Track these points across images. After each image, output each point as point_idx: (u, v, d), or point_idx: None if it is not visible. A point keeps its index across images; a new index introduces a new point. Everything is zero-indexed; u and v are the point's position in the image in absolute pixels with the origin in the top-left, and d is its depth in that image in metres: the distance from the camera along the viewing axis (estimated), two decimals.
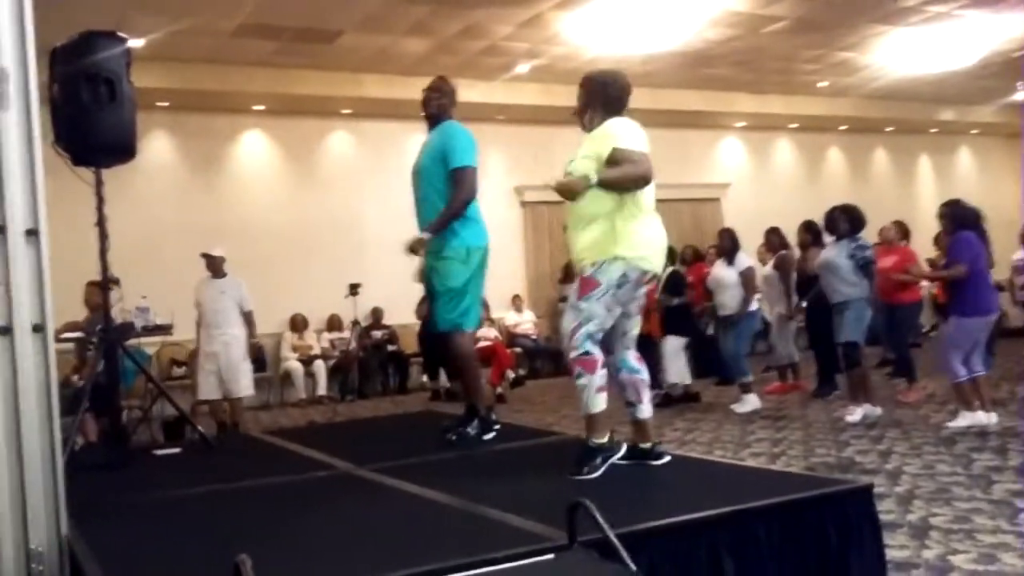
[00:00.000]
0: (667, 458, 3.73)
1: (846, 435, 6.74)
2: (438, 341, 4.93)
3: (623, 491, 3.32)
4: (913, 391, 8.31)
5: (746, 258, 8.72)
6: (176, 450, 5.26)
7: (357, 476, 3.92)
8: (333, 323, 12.25)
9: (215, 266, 8.07)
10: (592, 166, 3.60)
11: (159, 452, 5.20)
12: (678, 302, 8.93)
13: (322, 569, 2.54)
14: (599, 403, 3.57)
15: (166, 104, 11.22)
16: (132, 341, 5.38)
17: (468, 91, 12.85)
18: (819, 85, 14.55)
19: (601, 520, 2.34)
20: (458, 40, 10.90)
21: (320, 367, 11.92)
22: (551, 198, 14.44)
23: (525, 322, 13.37)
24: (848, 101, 15.64)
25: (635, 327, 3.80)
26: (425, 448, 4.36)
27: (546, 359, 13.17)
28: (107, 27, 4.84)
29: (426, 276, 4.68)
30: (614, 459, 3.60)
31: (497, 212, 14.05)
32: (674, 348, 8.92)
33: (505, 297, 12.95)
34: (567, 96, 13.88)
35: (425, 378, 12.01)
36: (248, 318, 8.07)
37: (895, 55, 12.97)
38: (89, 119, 4.60)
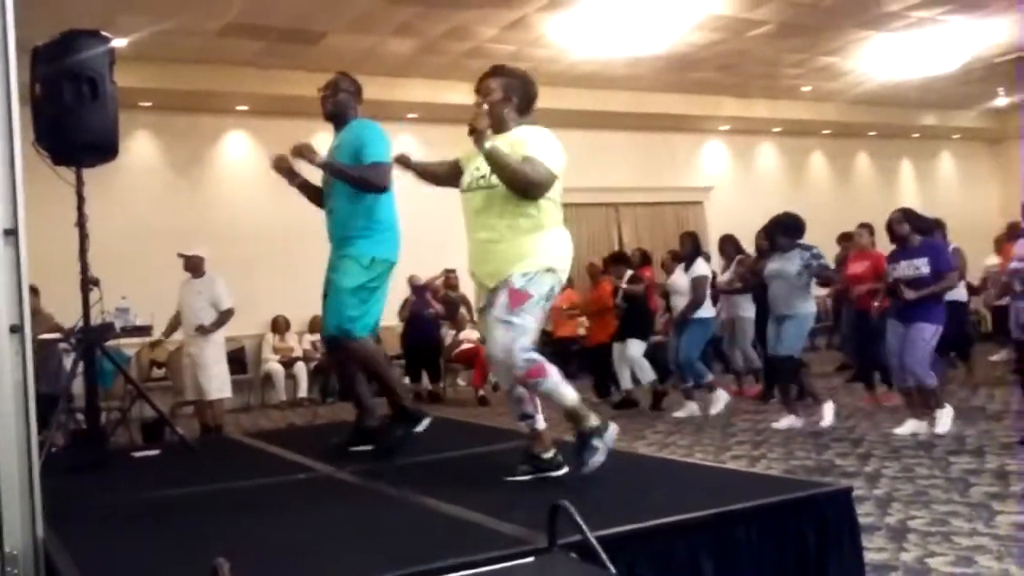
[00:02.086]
0: (566, 468, 3.57)
1: (825, 438, 6.77)
2: (330, 350, 4.60)
3: (603, 494, 3.32)
4: (878, 397, 8.26)
5: (703, 265, 8.54)
6: (155, 452, 5.22)
7: (337, 479, 3.90)
8: (315, 325, 12.20)
9: (193, 265, 8.02)
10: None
11: (138, 454, 5.16)
12: (627, 289, 8.89)
13: (301, 572, 2.53)
14: (571, 393, 3.47)
15: (149, 104, 11.17)
16: (111, 342, 5.33)
17: (452, 93, 12.98)
18: (803, 89, 14.64)
19: (581, 522, 2.34)
20: (443, 41, 10.90)
21: (301, 369, 11.88)
22: None
23: None
24: (831, 106, 15.74)
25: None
26: (406, 451, 4.35)
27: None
28: (91, 26, 4.81)
29: (325, 283, 4.42)
30: (608, 437, 3.48)
31: None
32: (639, 351, 8.82)
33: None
34: (551, 98, 13.89)
35: (407, 380, 11.97)
36: (221, 316, 7.98)
37: (878, 60, 13.06)
38: (71, 118, 4.57)
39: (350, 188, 4.23)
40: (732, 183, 16.02)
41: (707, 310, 8.42)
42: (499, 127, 3.55)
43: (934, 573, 3.64)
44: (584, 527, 2.33)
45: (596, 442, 3.44)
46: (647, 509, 2.92)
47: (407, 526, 3.00)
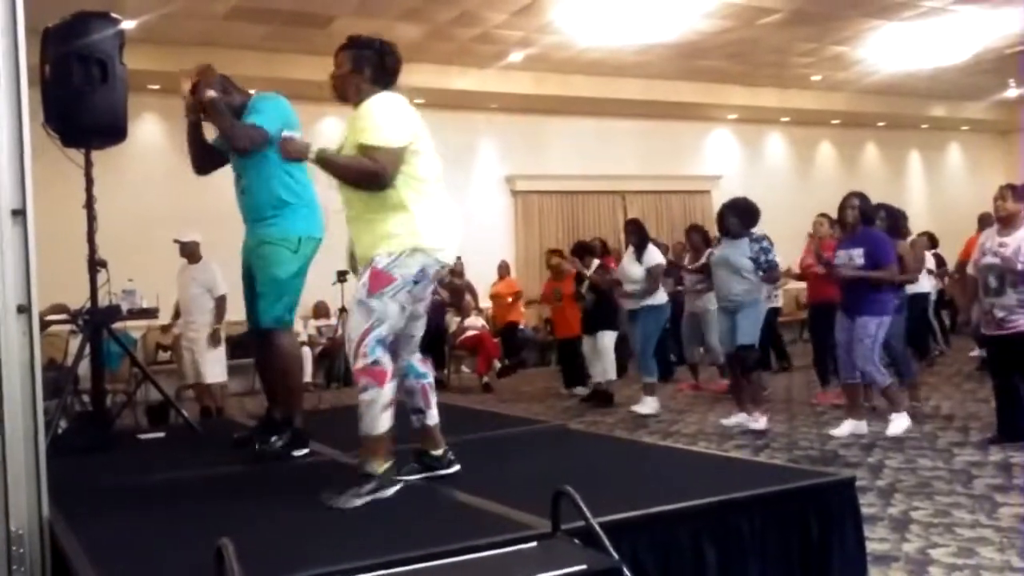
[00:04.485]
0: (457, 467, 3.40)
1: (829, 428, 6.76)
2: (257, 339, 4.27)
3: (607, 480, 3.33)
4: (830, 393, 7.96)
5: (656, 253, 8.24)
6: (160, 435, 5.24)
7: (342, 462, 3.91)
8: (320, 310, 12.21)
9: (188, 251, 8.02)
10: (349, 152, 3.24)
11: (143, 436, 5.19)
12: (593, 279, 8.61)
13: (305, 554, 2.54)
14: (383, 423, 3.11)
15: (157, 87, 11.14)
16: (118, 324, 5.34)
17: (461, 79, 12.92)
18: (812, 79, 14.57)
19: (584, 509, 2.35)
20: (452, 27, 10.87)
21: (307, 354, 11.88)
22: (543, 187, 14.38)
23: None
24: (841, 95, 15.66)
25: (421, 329, 3.44)
26: (410, 435, 4.35)
27: (534, 349, 13.19)
28: (99, 8, 4.81)
29: (245, 269, 4.17)
30: (383, 494, 3.09)
31: (488, 201, 14.09)
32: (610, 343, 8.59)
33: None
34: (559, 85, 13.81)
35: None
36: (218, 303, 7.95)
37: (888, 50, 12.99)
38: (80, 100, 4.60)
39: (262, 166, 3.97)
40: (740, 172, 15.96)
41: (659, 297, 8.11)
42: (351, 100, 3.34)
43: (936, 564, 3.65)
44: (587, 513, 2.35)
45: (366, 489, 3.06)
46: (650, 496, 2.93)
47: (411, 510, 3.01)
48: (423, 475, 3.38)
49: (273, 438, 4.08)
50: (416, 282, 3.19)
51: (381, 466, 3.13)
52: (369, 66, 3.35)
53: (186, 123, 4.21)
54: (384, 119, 3.20)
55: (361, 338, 3.10)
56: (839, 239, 6.72)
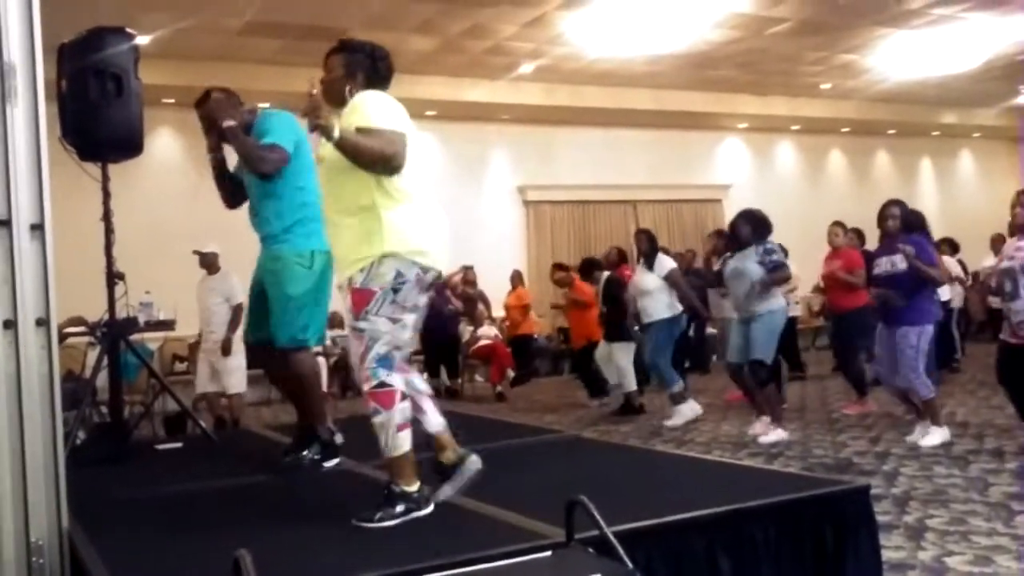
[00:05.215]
0: (479, 464, 3.21)
1: (844, 436, 6.75)
2: (264, 354, 4.24)
3: (621, 489, 3.33)
4: (859, 404, 7.88)
5: (668, 261, 8.17)
6: (177, 445, 5.27)
7: (358, 473, 3.93)
8: (334, 320, 12.22)
9: (207, 263, 8.10)
10: None
11: (160, 447, 5.22)
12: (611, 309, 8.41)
13: (321, 564, 2.56)
14: (402, 444, 3.03)
15: (172, 101, 11.23)
16: (135, 336, 5.39)
17: (473, 90, 12.96)
18: (822, 87, 14.56)
19: (599, 518, 2.36)
20: (463, 39, 10.93)
21: (321, 364, 11.92)
22: (555, 197, 14.37)
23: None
24: (851, 103, 15.65)
25: (410, 343, 3.19)
26: (425, 445, 4.37)
27: (547, 358, 13.19)
28: (114, 24, 4.86)
29: (256, 284, 4.14)
30: (417, 515, 3.02)
31: (500, 211, 14.13)
32: (627, 354, 8.43)
33: (507, 294, 12.96)
34: (570, 96, 13.83)
35: (425, 376, 11.98)
36: (234, 313, 7.94)
37: (898, 58, 12.97)
38: (96, 114, 4.64)
39: (272, 180, 3.95)
40: (751, 181, 15.95)
41: (673, 308, 8.03)
42: (341, 105, 3.23)
43: (952, 572, 3.63)
44: (602, 522, 2.35)
45: (400, 509, 3.00)
46: (665, 505, 2.93)
47: (425, 520, 3.02)
48: (450, 485, 3.18)
49: (304, 452, 4.10)
50: (396, 290, 3.03)
51: (411, 484, 3.05)
52: (362, 71, 3.29)
53: (208, 150, 4.26)
54: (383, 108, 3.12)
55: (361, 362, 3.03)
56: (878, 247, 6.63)
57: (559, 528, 2.52)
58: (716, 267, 8.63)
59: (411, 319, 3.12)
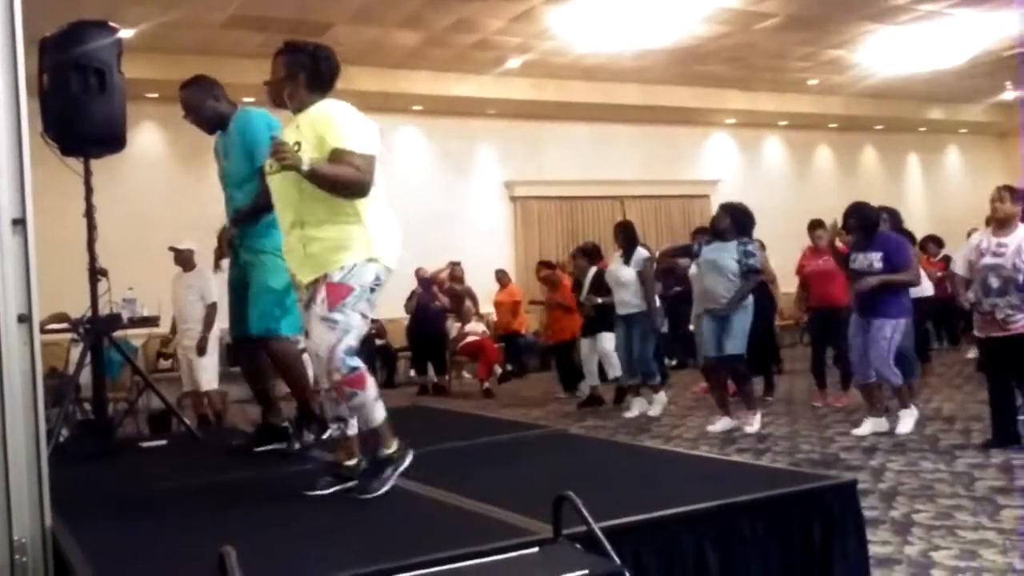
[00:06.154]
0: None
1: (831, 432, 6.77)
2: (243, 349, 4.38)
3: (609, 485, 3.33)
4: (844, 395, 7.99)
5: (644, 254, 8.13)
6: (162, 442, 5.24)
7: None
8: None
9: (183, 259, 8.07)
10: (316, 156, 3.12)
11: (145, 444, 5.19)
12: (603, 301, 8.40)
13: (307, 561, 2.54)
14: (379, 412, 3.25)
15: (155, 95, 11.16)
16: (119, 333, 5.35)
17: (459, 85, 12.93)
18: (809, 83, 14.61)
19: (586, 514, 2.35)
20: (450, 33, 10.89)
21: (307, 360, 11.87)
22: (542, 193, 14.41)
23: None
24: (838, 99, 15.70)
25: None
26: (411, 442, 4.35)
27: (535, 354, 13.18)
28: (97, 17, 4.82)
29: (236, 280, 4.24)
30: (403, 467, 3.28)
31: (488, 206, 14.12)
32: (612, 345, 8.48)
33: (494, 292, 12.95)
34: (557, 91, 13.82)
35: (413, 372, 12.00)
36: (208, 311, 7.94)
37: (885, 53, 13.02)
38: (79, 109, 4.60)
39: (252, 175, 3.93)
40: (739, 177, 15.99)
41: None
42: (287, 106, 3.32)
43: (938, 567, 3.64)
44: (589, 518, 2.34)
45: (388, 471, 3.23)
46: (652, 500, 2.92)
47: (412, 516, 3.02)
48: (336, 488, 3.29)
49: (305, 432, 4.19)
50: (372, 290, 3.23)
51: (391, 445, 3.28)
52: (304, 72, 3.30)
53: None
54: (355, 126, 3.20)
55: (330, 353, 3.15)
56: (853, 243, 6.68)
57: (546, 524, 2.50)
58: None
59: (369, 318, 3.33)
